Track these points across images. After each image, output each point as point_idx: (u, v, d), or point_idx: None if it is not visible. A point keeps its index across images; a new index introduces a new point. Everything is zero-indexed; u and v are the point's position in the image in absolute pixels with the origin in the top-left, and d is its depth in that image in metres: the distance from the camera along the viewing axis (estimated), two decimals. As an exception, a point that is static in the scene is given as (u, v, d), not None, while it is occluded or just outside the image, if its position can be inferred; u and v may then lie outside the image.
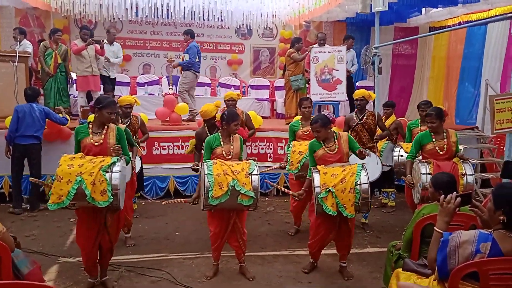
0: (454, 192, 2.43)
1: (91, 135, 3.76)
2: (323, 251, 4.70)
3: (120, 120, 5.59)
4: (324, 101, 8.41)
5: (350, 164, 4.15)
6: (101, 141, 3.75)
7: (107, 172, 3.54)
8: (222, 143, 4.22)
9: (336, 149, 4.18)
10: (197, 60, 8.38)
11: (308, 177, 4.31)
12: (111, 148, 3.75)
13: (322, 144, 4.21)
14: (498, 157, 7.54)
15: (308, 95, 8.13)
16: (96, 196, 3.49)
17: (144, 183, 7.01)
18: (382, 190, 6.86)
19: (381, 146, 6.22)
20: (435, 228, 2.42)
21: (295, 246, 5.12)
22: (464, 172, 4.30)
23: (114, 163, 3.60)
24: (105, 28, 9.78)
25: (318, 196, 3.88)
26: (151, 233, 5.49)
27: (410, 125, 5.63)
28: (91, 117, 6.56)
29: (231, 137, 4.28)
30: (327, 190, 3.87)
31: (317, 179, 3.94)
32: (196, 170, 5.05)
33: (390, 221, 6.17)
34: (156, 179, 7.09)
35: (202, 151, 4.93)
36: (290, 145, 5.27)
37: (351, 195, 3.86)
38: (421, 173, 4.20)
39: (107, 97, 4.02)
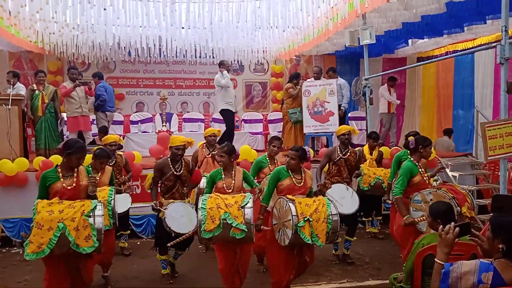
0: (453, 223, 2.40)
1: (62, 179, 3.66)
2: (324, 286, 4.69)
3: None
4: (317, 132, 8.48)
5: (315, 196, 4.25)
6: (74, 184, 3.68)
7: (90, 216, 3.47)
8: (223, 176, 4.32)
9: (302, 183, 4.27)
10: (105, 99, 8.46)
11: (264, 203, 4.29)
12: (88, 180, 3.72)
13: (291, 174, 4.26)
14: (493, 183, 7.55)
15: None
16: (80, 242, 3.41)
17: (139, 222, 6.93)
18: (369, 218, 6.81)
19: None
20: (435, 259, 2.38)
21: (296, 281, 4.94)
22: (466, 191, 4.29)
23: (95, 207, 3.54)
24: (101, 68, 9.95)
25: (298, 225, 3.86)
26: (146, 274, 5.36)
27: (400, 156, 5.35)
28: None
29: (233, 171, 4.38)
30: (306, 219, 3.89)
31: (293, 208, 3.93)
32: (156, 210, 4.84)
33: (390, 252, 6.08)
34: (150, 217, 6.96)
35: (159, 185, 5.01)
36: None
37: (324, 225, 3.96)
38: (449, 199, 4.01)
39: (77, 141, 3.93)
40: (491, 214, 2.63)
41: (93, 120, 8.64)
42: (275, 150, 5.40)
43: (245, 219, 3.91)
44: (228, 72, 8.38)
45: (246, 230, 3.90)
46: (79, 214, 3.44)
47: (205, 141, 6.21)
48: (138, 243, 6.67)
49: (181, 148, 4.88)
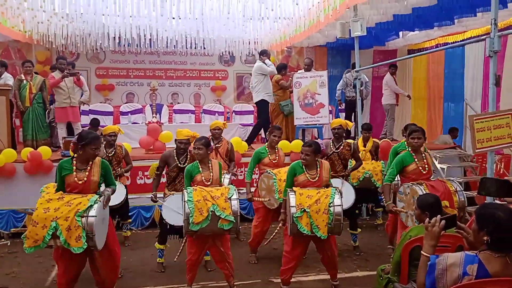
0: (439, 215, 2.42)
1: (75, 173, 3.69)
2: (313, 277, 4.71)
3: (104, 151, 5.56)
4: (308, 124, 8.49)
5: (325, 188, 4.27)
6: (85, 178, 3.70)
7: (82, 217, 3.47)
8: (201, 169, 4.30)
9: (317, 178, 4.27)
10: None
11: (284, 197, 4.34)
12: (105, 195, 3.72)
13: (305, 170, 4.26)
14: (481, 175, 7.63)
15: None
16: (71, 242, 3.44)
17: (129, 213, 6.89)
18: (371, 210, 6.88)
19: (381, 167, 6.31)
20: (421, 252, 2.40)
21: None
22: (455, 189, 4.31)
23: (90, 206, 3.53)
24: (91, 58, 9.90)
25: (294, 215, 3.96)
26: (137, 265, 5.35)
27: (397, 148, 5.49)
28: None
29: (210, 163, 4.38)
30: (302, 210, 3.97)
31: (292, 199, 4.03)
32: (154, 202, 5.07)
33: (378, 243, 6.13)
34: (140, 209, 6.96)
35: (163, 176, 5.12)
36: (274, 176, 5.10)
37: (324, 216, 3.97)
38: (419, 195, 4.01)
39: (90, 132, 3.93)
40: (477, 206, 2.65)
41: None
42: (276, 140, 5.42)
43: (232, 211, 3.98)
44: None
45: (234, 221, 3.97)
46: (72, 214, 3.44)
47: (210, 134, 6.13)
48: (129, 234, 6.64)
49: (183, 142, 4.95)
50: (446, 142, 8.66)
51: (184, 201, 3.95)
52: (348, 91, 9.12)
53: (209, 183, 4.28)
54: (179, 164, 4.97)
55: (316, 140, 4.56)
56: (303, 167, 4.27)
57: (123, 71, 10.88)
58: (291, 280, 4.44)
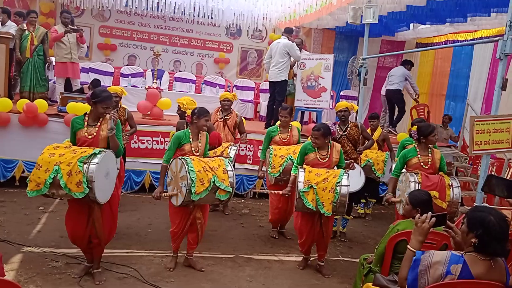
0: (430, 212, 2.43)
1: (86, 128, 3.76)
2: (294, 258, 4.73)
3: None
4: (307, 107, 8.43)
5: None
6: (94, 133, 3.76)
7: (84, 163, 3.51)
8: (191, 139, 4.26)
9: (327, 158, 4.42)
10: None
11: (294, 173, 4.50)
12: (109, 114, 3.75)
13: (316, 150, 4.42)
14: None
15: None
16: (71, 187, 3.48)
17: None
18: (363, 200, 6.85)
19: (384, 157, 6.31)
20: (408, 246, 2.41)
21: (268, 251, 5.09)
22: (451, 183, 4.32)
23: (94, 154, 3.57)
24: (95, 15, 9.64)
25: (301, 190, 4.11)
26: (122, 228, 5.35)
27: (404, 142, 5.54)
28: (70, 105, 6.47)
29: (199, 134, 4.33)
30: (309, 186, 4.12)
31: (301, 175, 4.20)
32: None
33: (363, 232, 6.19)
34: (132, 172, 6.95)
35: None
36: (271, 151, 5.25)
37: (330, 194, 4.12)
38: (409, 181, 4.16)
39: (104, 90, 3.90)
40: (469, 208, 2.66)
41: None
42: (284, 119, 5.47)
43: (229, 182, 4.06)
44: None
45: (231, 192, 4.07)
46: (75, 160, 3.49)
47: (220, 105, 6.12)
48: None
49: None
50: (444, 137, 8.66)
51: (186, 171, 3.89)
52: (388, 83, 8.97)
53: (197, 153, 4.23)
54: None
55: (325, 123, 4.60)
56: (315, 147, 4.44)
57: (127, 32, 10.69)
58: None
